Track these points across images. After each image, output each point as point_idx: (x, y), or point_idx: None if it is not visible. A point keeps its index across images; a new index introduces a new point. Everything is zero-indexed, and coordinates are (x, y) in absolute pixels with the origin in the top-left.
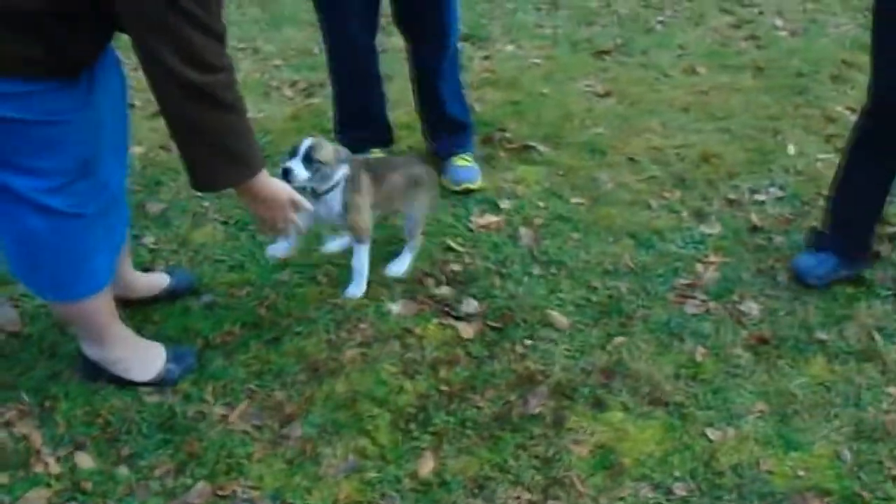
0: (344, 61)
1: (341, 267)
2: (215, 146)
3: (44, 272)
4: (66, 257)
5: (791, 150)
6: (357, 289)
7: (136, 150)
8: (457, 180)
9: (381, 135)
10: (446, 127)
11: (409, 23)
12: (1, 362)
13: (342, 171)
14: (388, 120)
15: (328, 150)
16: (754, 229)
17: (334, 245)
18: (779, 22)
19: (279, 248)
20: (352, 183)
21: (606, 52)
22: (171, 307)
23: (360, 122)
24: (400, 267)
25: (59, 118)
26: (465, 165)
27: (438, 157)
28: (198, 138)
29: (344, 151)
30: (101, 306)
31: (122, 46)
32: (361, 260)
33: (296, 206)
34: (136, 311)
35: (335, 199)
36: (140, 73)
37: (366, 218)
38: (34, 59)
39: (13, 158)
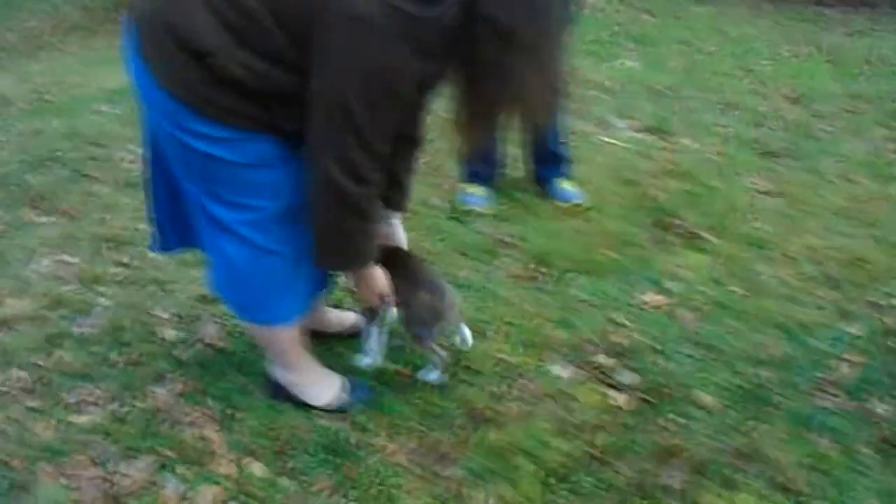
0: None
1: (513, 325)
2: (345, 245)
3: (238, 294)
4: (256, 286)
5: None
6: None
7: None
8: (566, 198)
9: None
10: (553, 159)
11: None
12: (196, 370)
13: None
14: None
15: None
16: (888, 332)
17: (365, 362)
18: None
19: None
20: None
21: (772, 153)
22: (354, 342)
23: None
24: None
25: (265, 164)
26: (570, 188)
27: (542, 180)
28: (335, 237)
29: None
30: (289, 335)
31: None
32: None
33: (385, 298)
34: (323, 341)
35: None
36: None
37: None
38: (253, 118)
39: (220, 192)
